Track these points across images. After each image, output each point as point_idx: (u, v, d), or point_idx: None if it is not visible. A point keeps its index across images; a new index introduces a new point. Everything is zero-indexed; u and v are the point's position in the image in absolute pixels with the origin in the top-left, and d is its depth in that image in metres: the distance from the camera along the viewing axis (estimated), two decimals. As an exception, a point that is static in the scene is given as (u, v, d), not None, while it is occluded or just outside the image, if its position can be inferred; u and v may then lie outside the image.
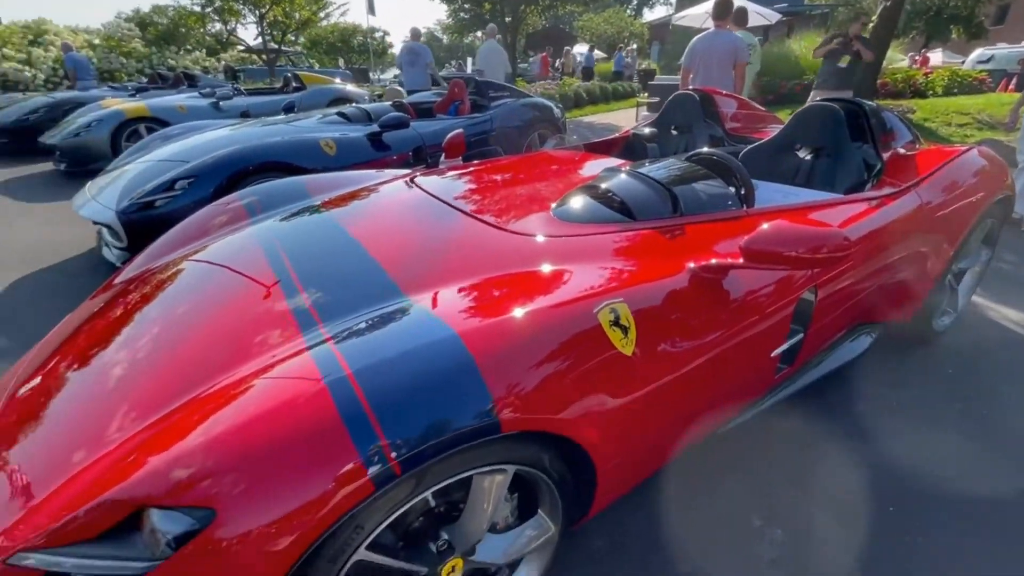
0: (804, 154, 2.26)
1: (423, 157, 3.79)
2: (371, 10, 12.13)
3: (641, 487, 1.39)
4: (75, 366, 1.22)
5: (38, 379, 1.23)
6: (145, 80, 10.91)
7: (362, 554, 0.89)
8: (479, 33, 25.61)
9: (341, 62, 23.98)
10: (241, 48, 17.85)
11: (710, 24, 12.21)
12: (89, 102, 7.16)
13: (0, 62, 9.42)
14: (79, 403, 1.12)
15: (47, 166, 6.30)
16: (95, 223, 3.02)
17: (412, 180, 2.00)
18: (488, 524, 1.04)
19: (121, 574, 0.77)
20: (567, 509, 1.15)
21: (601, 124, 10.40)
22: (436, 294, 1.17)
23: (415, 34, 8.49)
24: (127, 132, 5.67)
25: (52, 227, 4.12)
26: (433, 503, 1.00)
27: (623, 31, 30.10)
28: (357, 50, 21.11)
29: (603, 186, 1.62)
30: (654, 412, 1.19)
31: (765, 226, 1.22)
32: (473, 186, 1.93)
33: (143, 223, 2.82)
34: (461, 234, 1.50)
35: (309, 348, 1.02)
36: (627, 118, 11.24)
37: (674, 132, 2.89)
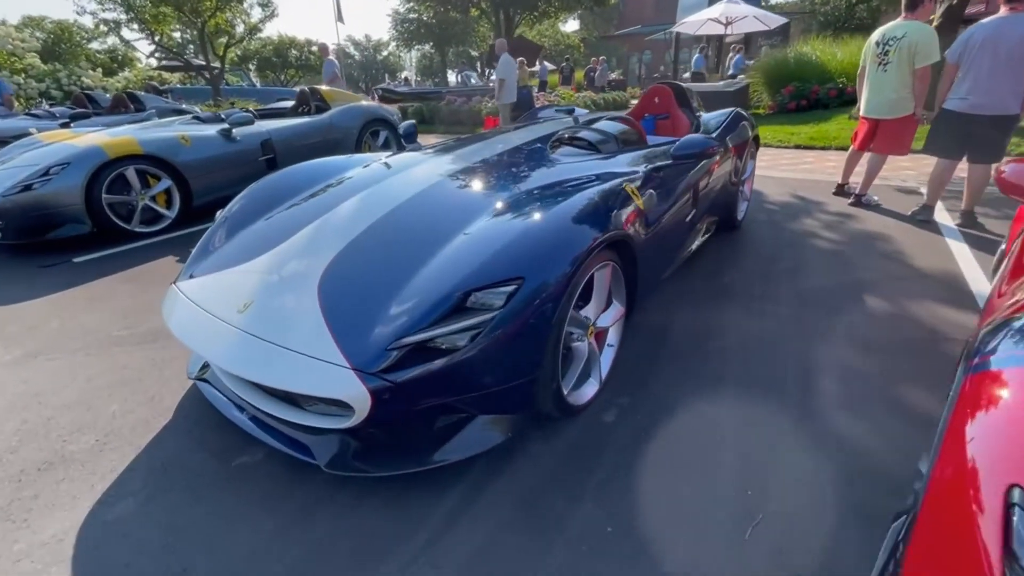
0: None
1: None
2: (340, 18, 10.39)
3: None
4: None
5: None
6: (49, 104, 8.34)
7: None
8: (427, 46, 24.10)
9: (255, 79, 21.21)
10: (156, 65, 14.99)
11: (710, 29, 11.81)
12: (6, 136, 5.01)
13: None
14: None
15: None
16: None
17: None
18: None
19: None
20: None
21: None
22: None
23: (325, 49, 8.62)
24: (109, 178, 3.75)
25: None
26: None
27: (559, 44, 30.06)
28: (296, 65, 18.69)
29: None
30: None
31: None
32: None
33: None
34: None
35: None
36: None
37: None
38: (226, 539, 1.39)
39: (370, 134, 5.69)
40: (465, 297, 1.41)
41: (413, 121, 3.30)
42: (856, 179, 4.50)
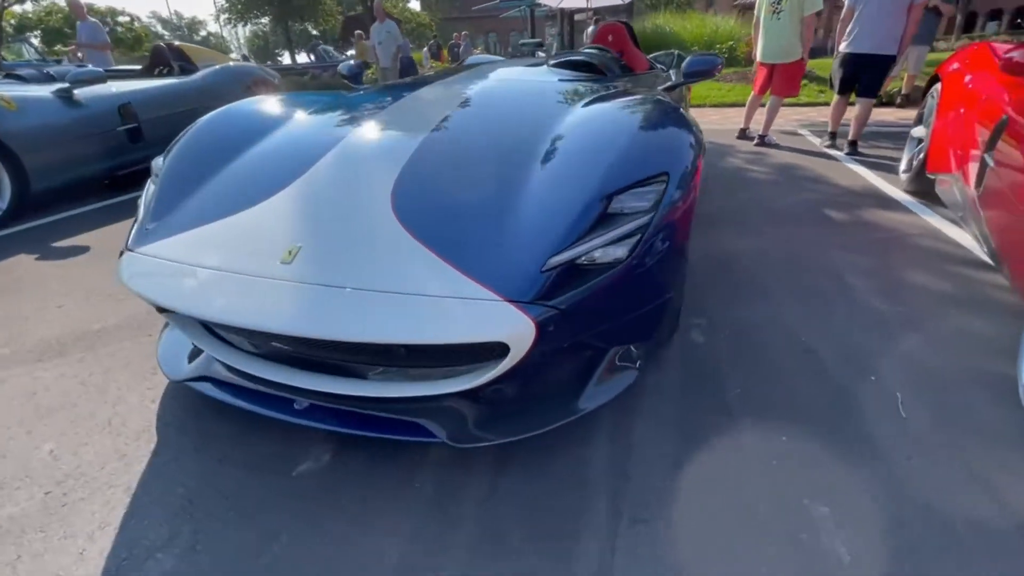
0: None
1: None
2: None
3: None
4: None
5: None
6: None
7: None
8: (264, 20, 21.12)
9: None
10: None
11: (572, 3, 12.23)
12: None
13: None
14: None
15: None
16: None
17: None
18: None
19: None
20: None
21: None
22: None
23: (79, 8, 6.17)
24: None
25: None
26: None
27: (408, 22, 28.90)
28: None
29: None
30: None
31: None
32: None
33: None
34: None
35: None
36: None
37: None
38: (357, 558, 0.99)
39: (253, 100, 4.80)
40: (608, 202, 1.17)
41: (358, 61, 2.79)
42: (755, 125, 4.97)
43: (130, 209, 3.44)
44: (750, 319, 1.82)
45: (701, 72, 2.22)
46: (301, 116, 1.76)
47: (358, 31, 15.38)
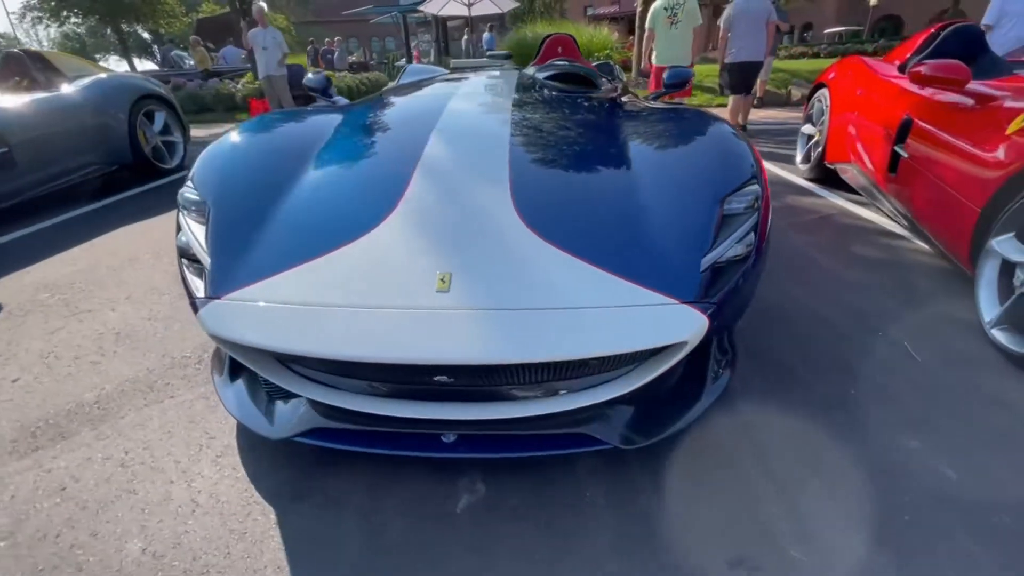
0: None
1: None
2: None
3: None
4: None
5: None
6: None
7: None
8: (78, 20, 17.44)
9: None
10: None
11: (453, 10, 12.35)
12: None
13: None
14: None
15: None
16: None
17: None
18: None
19: None
20: None
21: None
22: None
23: None
24: None
25: None
26: None
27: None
28: None
29: None
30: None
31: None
32: None
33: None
34: None
35: None
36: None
37: None
38: (578, 583, 1.00)
39: (144, 115, 4.15)
40: (722, 205, 1.30)
41: (322, 75, 2.57)
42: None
43: (24, 252, 2.81)
44: (763, 297, 2.09)
45: (679, 84, 2.47)
46: (344, 135, 1.63)
47: (194, 36, 13.82)
